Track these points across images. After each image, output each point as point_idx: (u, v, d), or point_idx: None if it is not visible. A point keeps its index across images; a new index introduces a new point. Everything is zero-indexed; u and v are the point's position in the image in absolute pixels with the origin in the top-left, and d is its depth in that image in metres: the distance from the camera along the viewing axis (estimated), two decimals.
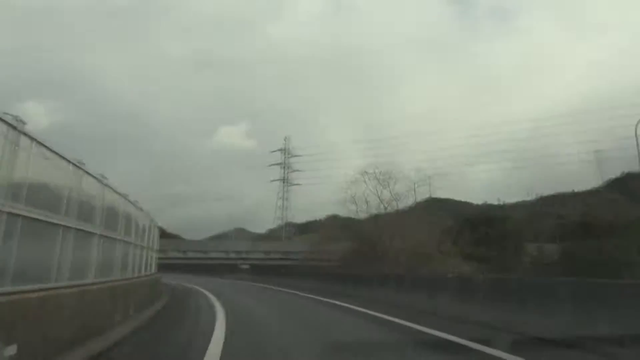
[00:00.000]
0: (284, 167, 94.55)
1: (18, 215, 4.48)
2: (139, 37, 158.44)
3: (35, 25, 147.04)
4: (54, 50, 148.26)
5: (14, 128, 4.37)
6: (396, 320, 9.60)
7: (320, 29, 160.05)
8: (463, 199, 78.29)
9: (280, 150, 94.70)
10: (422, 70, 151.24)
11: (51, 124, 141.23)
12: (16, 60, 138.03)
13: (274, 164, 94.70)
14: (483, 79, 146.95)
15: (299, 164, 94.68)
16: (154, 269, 15.74)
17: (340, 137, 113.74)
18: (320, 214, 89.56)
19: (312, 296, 17.46)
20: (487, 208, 64.76)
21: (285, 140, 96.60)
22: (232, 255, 69.55)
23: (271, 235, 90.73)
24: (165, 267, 55.93)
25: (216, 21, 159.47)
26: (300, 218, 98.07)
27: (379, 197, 34.55)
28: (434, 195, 38.54)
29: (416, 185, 34.35)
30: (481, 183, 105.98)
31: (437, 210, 39.52)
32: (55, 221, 5.52)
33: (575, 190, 63.92)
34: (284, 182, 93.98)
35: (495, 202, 70.11)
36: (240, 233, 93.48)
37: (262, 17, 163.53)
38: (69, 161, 5.97)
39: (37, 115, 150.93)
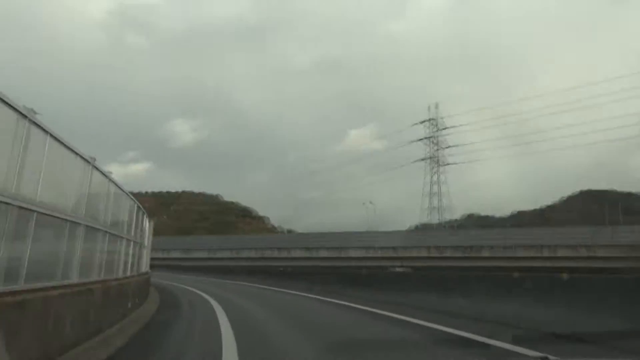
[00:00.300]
0: (435, 142, 73.21)
1: None
2: (268, 51, 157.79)
3: (178, 50, 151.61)
4: (196, 72, 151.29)
5: None
6: None
7: (444, 22, 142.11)
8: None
9: (429, 120, 73.80)
10: (565, 53, 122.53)
11: (196, 142, 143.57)
12: (167, 82, 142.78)
13: (418, 140, 74.12)
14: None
15: (451, 136, 72.70)
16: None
17: (476, 136, 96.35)
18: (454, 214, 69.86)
19: None
20: None
21: (436, 107, 75.23)
22: (377, 254, 49.61)
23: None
24: (283, 274, 33.53)
25: (338, 25, 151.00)
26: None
27: None
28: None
29: None
30: None
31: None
32: None
33: None
34: (437, 163, 72.70)
35: None
36: None
37: (384, 15, 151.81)
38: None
39: (183, 132, 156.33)
